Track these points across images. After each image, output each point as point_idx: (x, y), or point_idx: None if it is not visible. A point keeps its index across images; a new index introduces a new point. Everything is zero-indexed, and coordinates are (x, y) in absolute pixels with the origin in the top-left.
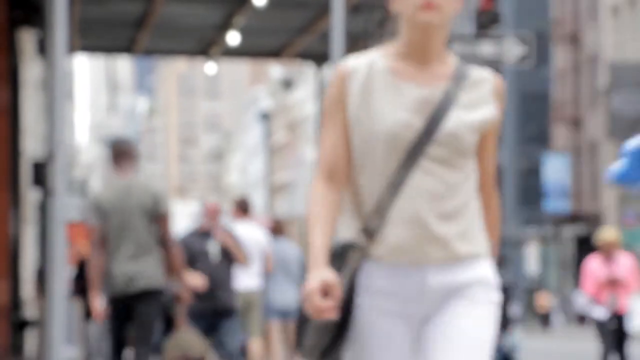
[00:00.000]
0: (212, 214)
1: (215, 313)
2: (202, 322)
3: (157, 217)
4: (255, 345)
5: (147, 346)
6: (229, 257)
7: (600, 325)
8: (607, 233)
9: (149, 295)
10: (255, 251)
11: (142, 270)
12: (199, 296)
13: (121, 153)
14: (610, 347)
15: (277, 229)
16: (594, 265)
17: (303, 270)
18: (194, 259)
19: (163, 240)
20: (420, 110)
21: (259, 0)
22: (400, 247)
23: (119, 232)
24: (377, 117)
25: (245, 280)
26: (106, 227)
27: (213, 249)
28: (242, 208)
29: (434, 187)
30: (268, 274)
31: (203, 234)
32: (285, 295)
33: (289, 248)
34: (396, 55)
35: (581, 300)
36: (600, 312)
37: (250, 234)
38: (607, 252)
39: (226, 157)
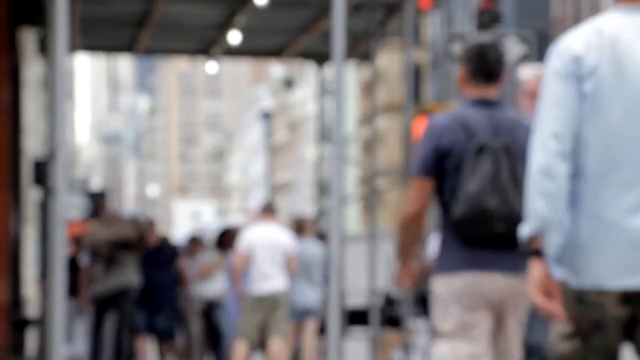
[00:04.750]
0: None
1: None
2: None
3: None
4: (276, 345)
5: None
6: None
7: None
8: None
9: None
10: (279, 252)
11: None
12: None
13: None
14: None
15: (299, 228)
16: None
17: (325, 269)
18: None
19: None
20: None
21: None
22: None
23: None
24: None
25: (273, 281)
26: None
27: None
28: (267, 209)
29: None
30: (291, 275)
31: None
32: (305, 296)
33: (311, 248)
34: None
35: None
36: None
37: (274, 235)
38: None
39: (227, 156)
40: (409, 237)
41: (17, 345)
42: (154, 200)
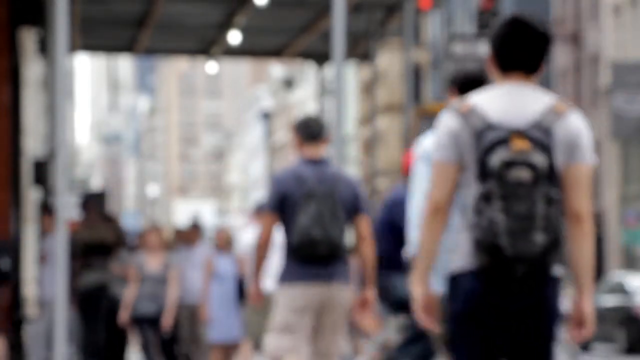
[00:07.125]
0: None
1: None
2: None
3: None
4: None
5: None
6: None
7: None
8: None
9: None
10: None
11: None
12: None
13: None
14: None
15: None
16: None
17: None
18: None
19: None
20: None
21: None
22: None
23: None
24: None
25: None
26: None
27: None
28: (261, 211)
29: None
30: None
31: None
32: None
33: None
34: None
35: None
36: None
37: (276, 235)
38: None
39: (227, 156)
40: (261, 260)
41: (17, 345)
42: (154, 200)
